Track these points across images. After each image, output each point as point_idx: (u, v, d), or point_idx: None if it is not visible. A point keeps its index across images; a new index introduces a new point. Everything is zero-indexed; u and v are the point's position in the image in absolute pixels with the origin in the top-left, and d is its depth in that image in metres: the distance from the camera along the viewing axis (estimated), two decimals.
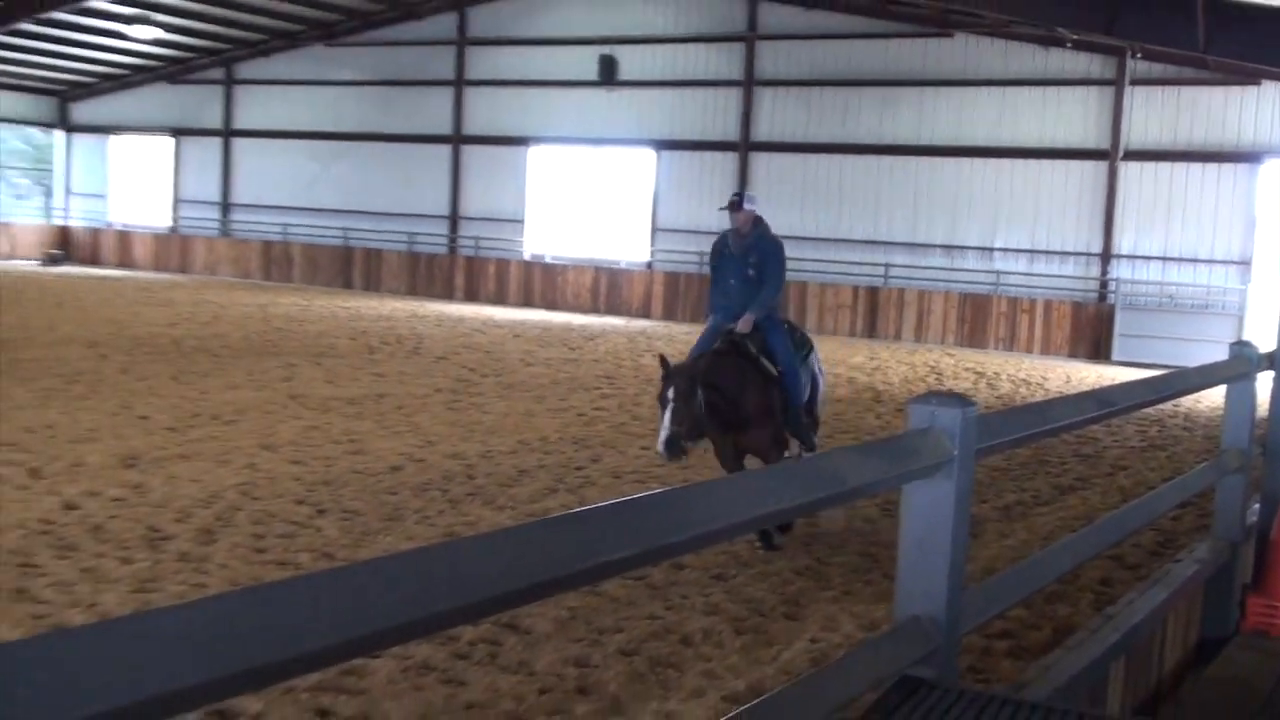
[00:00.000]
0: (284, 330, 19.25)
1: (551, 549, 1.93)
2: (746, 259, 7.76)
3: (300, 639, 1.52)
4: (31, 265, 32.17)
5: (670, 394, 7.07)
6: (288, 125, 32.12)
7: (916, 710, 2.79)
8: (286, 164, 32.15)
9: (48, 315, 19.18)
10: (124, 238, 34.23)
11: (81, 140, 35.73)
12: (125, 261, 33.64)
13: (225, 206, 33.41)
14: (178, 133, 33.99)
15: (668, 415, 7.03)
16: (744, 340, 7.61)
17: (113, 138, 35.23)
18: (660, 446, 7.06)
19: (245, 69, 32.96)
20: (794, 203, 25.55)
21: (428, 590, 1.70)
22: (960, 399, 3.11)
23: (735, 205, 7.82)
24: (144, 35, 29.97)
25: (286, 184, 32.15)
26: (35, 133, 36.40)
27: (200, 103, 33.56)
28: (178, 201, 34.15)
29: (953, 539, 3.06)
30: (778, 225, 7.96)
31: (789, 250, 8.36)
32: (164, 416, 10.82)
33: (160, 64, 33.35)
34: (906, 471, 2.95)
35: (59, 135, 35.84)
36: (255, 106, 32.81)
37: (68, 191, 35.90)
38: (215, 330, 18.63)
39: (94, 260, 33.85)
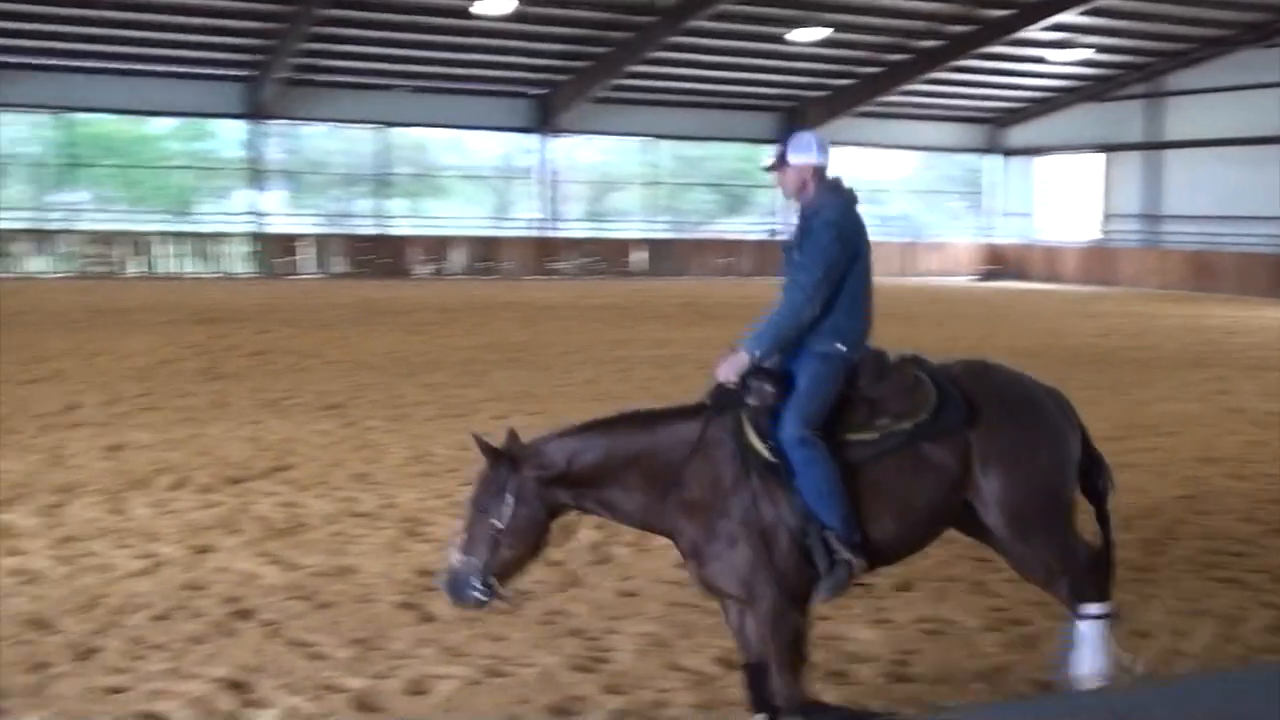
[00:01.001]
0: (1215, 342, 18.80)
1: None
2: (793, 251, 4.62)
3: None
4: (966, 280, 34.93)
5: (472, 496, 4.33)
6: (1216, 133, 31.02)
7: None
8: (1214, 172, 31.16)
9: (981, 327, 20.70)
10: (1050, 252, 35.66)
11: (1011, 163, 37.96)
12: (1051, 274, 34.94)
13: (1151, 218, 33.14)
14: (1103, 149, 34.54)
15: (458, 537, 4.30)
16: (740, 393, 4.35)
17: (1037, 158, 36.92)
18: (440, 582, 4.36)
19: (1171, 80, 32.60)
20: None
21: None
22: None
23: (778, 161, 4.60)
24: (1069, 58, 30.98)
25: (1214, 192, 31.13)
26: (967, 158, 39.39)
27: (1123, 118, 33.89)
28: (1106, 216, 34.68)
29: None
30: None
31: None
32: (1103, 425, 11.25)
33: (1083, 84, 34.21)
34: None
35: (989, 160, 38.41)
36: (1182, 116, 32.29)
37: (1002, 212, 38.32)
38: (1146, 341, 18.74)
39: (1021, 274, 35.66)
